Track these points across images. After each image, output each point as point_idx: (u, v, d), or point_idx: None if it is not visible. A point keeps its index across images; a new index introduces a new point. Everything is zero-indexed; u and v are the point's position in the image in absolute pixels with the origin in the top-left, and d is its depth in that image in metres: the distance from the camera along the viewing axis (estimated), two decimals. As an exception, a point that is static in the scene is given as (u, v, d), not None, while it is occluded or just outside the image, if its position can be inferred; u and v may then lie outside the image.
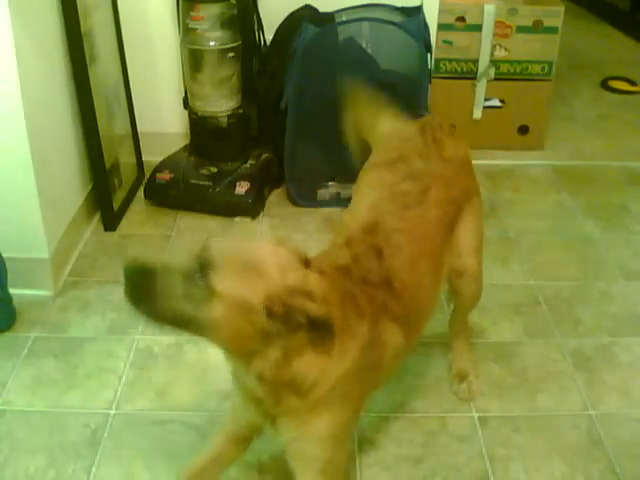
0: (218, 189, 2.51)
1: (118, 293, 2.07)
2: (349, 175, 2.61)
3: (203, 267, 1.13)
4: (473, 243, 1.62)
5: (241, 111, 2.60)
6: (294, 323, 1.14)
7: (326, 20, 2.55)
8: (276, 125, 2.55)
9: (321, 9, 2.59)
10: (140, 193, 2.61)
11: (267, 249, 1.21)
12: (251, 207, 2.52)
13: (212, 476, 1.49)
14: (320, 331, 1.17)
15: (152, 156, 2.69)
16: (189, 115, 2.63)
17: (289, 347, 1.17)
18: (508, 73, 2.87)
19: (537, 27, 2.79)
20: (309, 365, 1.21)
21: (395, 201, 1.49)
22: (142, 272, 1.17)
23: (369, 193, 1.56)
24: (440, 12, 2.73)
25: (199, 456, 1.48)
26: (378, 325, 1.34)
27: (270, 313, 1.13)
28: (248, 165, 2.60)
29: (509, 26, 2.78)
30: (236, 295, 1.12)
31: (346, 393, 1.30)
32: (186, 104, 2.62)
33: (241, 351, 1.18)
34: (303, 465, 1.35)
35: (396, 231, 1.44)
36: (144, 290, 1.16)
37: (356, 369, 1.29)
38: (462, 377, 1.80)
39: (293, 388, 1.23)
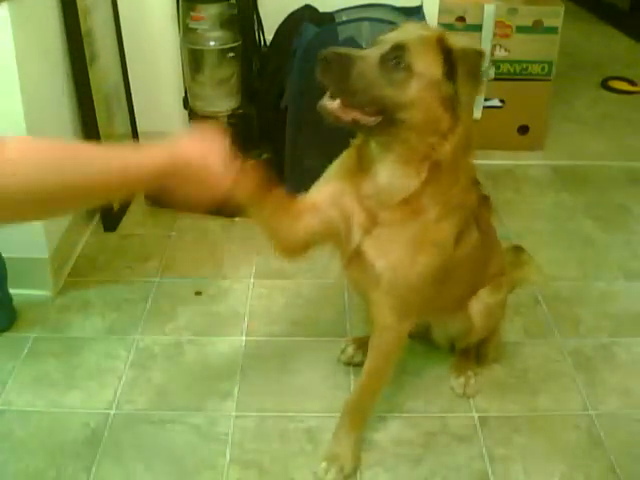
0: (218, 189, 2.50)
1: (118, 293, 2.10)
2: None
3: (398, 52, 1.25)
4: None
5: (241, 111, 2.59)
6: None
7: (326, 20, 2.54)
8: (276, 125, 2.54)
9: (321, 9, 2.58)
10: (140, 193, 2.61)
11: None
12: (251, 207, 2.51)
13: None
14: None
15: (152, 156, 2.68)
16: (189, 115, 2.63)
17: (461, 144, 1.30)
18: (508, 73, 2.87)
19: (537, 27, 2.79)
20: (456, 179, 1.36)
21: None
22: (339, 57, 1.26)
23: None
24: (440, 12, 2.73)
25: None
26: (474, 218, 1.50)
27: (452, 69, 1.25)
28: (248, 165, 2.60)
29: (509, 26, 2.78)
30: (432, 72, 1.25)
31: (445, 240, 1.41)
32: (186, 104, 2.61)
33: (428, 131, 1.28)
34: (378, 288, 1.42)
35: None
36: (343, 72, 1.26)
37: (457, 224, 1.41)
38: (460, 371, 1.81)
39: (438, 190, 1.34)
